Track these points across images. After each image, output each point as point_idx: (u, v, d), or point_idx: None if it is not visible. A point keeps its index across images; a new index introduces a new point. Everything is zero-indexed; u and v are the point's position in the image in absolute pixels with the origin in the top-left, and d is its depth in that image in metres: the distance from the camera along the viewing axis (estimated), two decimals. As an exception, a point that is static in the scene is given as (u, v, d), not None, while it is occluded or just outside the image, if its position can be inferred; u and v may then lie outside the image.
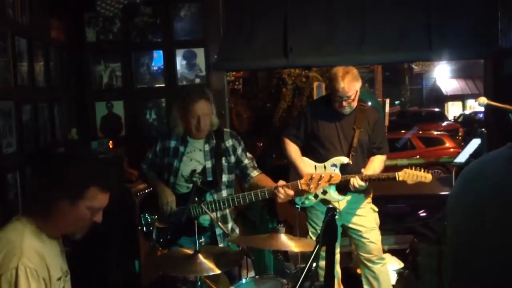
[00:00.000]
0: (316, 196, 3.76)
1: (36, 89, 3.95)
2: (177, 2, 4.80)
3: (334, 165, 3.74)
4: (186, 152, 3.31)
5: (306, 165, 3.81)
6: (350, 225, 3.87)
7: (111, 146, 4.33)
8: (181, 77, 4.84)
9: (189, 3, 4.80)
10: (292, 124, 4.04)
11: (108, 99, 4.86)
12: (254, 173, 3.39)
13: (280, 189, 3.13)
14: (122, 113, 4.87)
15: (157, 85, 4.90)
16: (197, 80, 4.82)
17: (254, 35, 4.76)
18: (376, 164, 3.76)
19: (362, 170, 3.63)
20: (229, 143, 3.35)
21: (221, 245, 3.26)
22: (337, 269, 4.01)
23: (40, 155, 3.73)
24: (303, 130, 3.87)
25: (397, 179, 3.56)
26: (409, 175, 3.54)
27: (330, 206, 3.81)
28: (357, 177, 3.57)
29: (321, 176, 3.21)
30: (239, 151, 3.38)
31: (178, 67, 4.83)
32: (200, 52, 4.81)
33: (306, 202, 3.83)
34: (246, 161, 3.39)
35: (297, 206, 3.87)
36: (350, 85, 3.63)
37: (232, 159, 3.35)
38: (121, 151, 4.46)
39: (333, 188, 3.74)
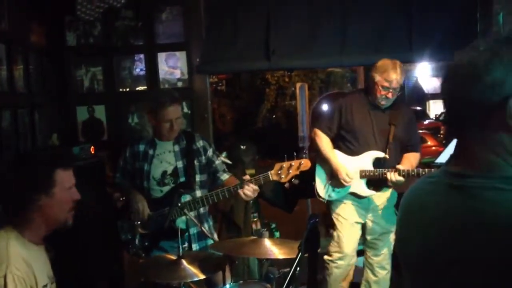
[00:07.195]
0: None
1: (15, 94, 3.91)
2: (159, 5, 4.77)
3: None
4: (155, 154, 3.33)
5: (339, 158, 3.75)
6: (371, 224, 3.81)
7: (92, 151, 4.29)
8: (163, 80, 4.81)
9: (170, 6, 4.77)
10: (326, 116, 3.98)
11: (89, 104, 4.81)
12: (225, 176, 3.43)
13: (248, 183, 3.13)
14: (104, 118, 4.83)
15: (139, 89, 4.87)
16: (180, 84, 4.79)
17: (236, 37, 4.75)
18: (412, 160, 3.71)
19: (398, 166, 3.57)
20: (200, 144, 3.39)
21: (194, 245, 3.28)
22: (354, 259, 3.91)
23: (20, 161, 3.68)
24: (336, 122, 3.80)
25: None
26: None
27: (365, 196, 3.76)
28: (394, 171, 3.53)
29: (291, 164, 3.23)
30: (210, 152, 3.41)
31: (160, 70, 4.80)
32: (182, 55, 4.79)
33: (333, 194, 3.81)
34: (216, 162, 3.44)
35: (322, 199, 3.81)
36: (402, 77, 3.66)
37: (203, 159, 3.38)
38: (103, 156, 4.42)
39: (363, 182, 3.71)
